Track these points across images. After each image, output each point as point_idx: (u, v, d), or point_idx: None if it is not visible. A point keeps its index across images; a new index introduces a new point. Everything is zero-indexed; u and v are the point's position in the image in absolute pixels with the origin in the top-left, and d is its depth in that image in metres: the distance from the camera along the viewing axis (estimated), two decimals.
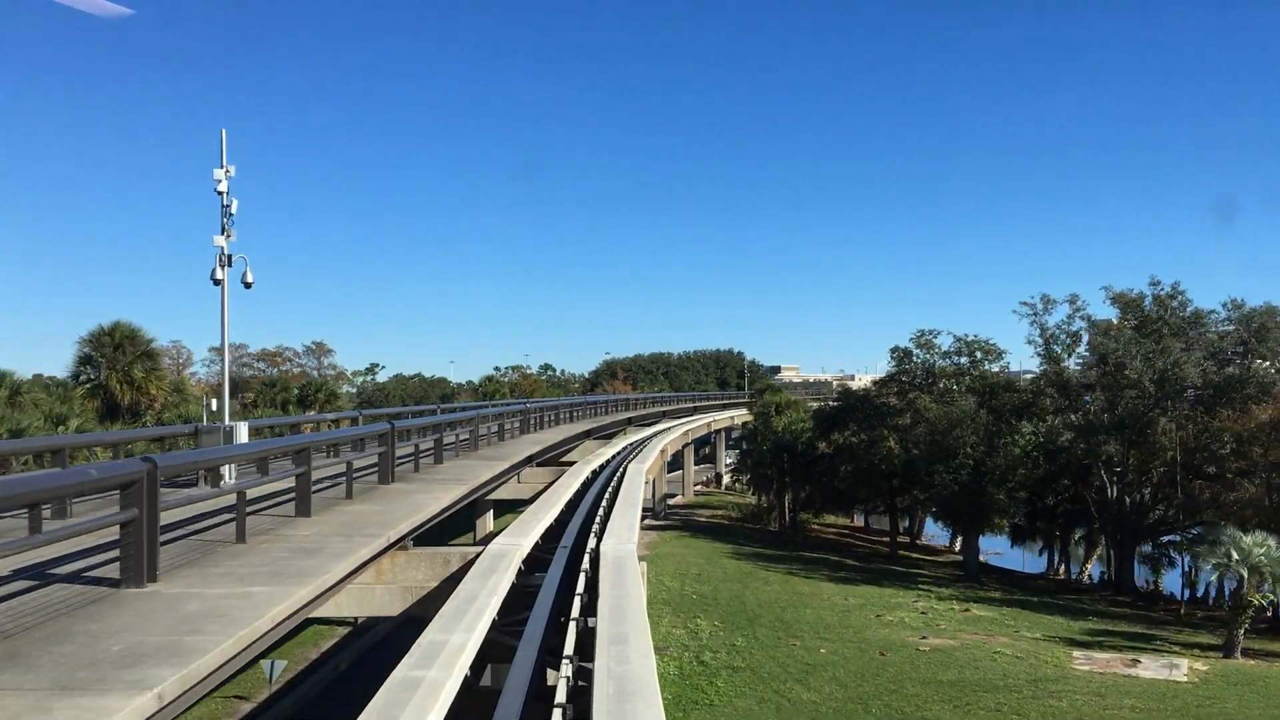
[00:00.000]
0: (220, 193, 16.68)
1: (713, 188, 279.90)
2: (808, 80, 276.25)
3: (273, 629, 7.56)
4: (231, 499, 14.48)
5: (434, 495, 15.81)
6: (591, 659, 9.34)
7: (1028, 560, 58.87)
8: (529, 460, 28.53)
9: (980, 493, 44.59)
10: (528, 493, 30.24)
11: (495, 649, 11.52)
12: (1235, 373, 42.29)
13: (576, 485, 26.70)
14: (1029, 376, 55.00)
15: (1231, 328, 44.23)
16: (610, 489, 25.92)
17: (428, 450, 21.09)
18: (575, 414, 50.62)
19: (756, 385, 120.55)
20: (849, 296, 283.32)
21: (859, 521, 70.55)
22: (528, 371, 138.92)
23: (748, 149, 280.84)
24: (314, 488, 13.96)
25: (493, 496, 30.59)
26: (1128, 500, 44.02)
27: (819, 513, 62.68)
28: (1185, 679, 27.14)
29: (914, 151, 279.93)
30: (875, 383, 59.62)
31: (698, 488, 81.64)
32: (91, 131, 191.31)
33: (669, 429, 60.27)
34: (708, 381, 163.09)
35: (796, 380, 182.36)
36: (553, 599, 12.86)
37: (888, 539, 58.31)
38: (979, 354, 51.38)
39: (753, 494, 69.09)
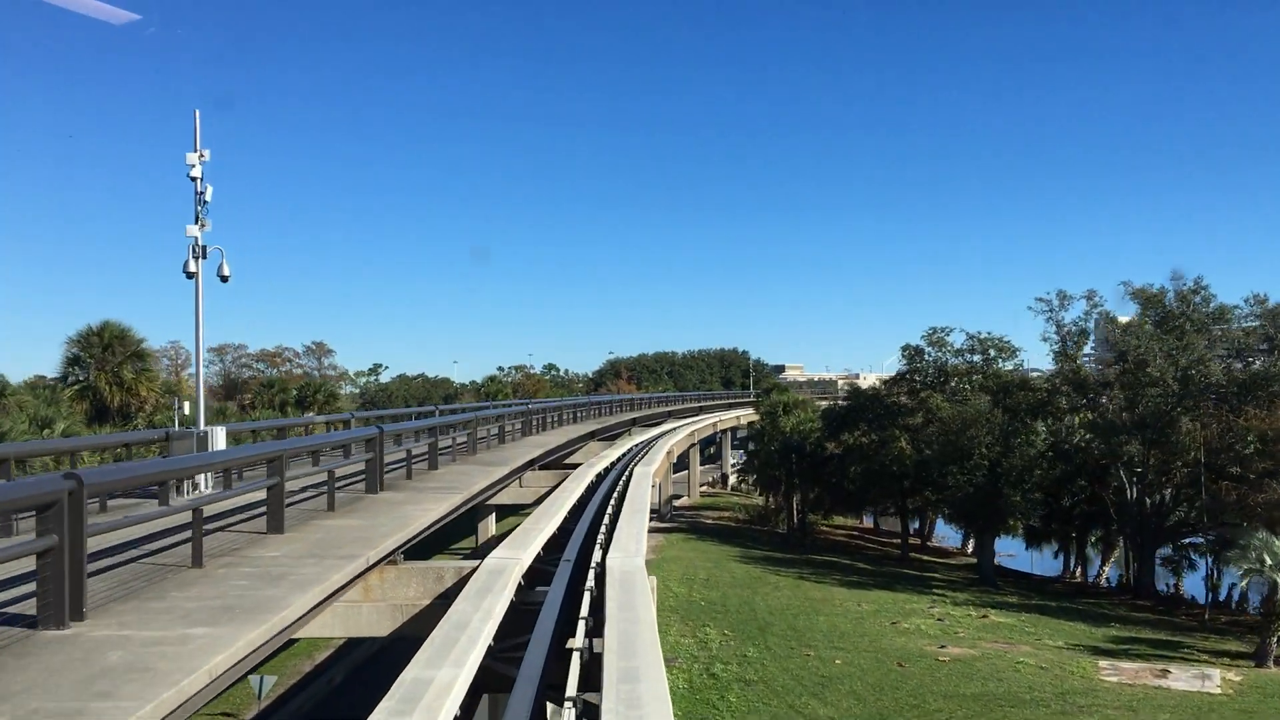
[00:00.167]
0: (193, 178, 15.49)
1: (716, 187, 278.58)
2: (809, 78, 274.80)
3: (207, 686, 6.28)
4: (213, 509, 13.29)
5: (424, 507, 14.57)
6: (599, 690, 8.20)
7: (1041, 562, 57.60)
8: (530, 464, 27.34)
9: (996, 494, 43.31)
10: (530, 497, 29.06)
11: (489, 677, 10.38)
12: (1261, 370, 40.99)
13: (580, 490, 25.49)
14: (1035, 375, 53.64)
15: (1256, 323, 42.89)
16: (616, 494, 24.74)
17: (421, 455, 19.91)
18: (579, 414, 49.44)
19: (763, 385, 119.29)
20: (852, 295, 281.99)
21: (868, 523, 69.35)
22: (531, 371, 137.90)
23: (750, 148, 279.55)
24: (292, 499, 12.82)
25: (493, 502, 29.44)
26: (1148, 502, 42.72)
27: (828, 514, 61.45)
28: (1219, 690, 25.90)
29: (917, 149, 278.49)
30: (885, 382, 58.33)
31: (703, 488, 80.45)
32: (88, 131, 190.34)
33: (675, 429, 59.09)
34: (712, 381, 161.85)
35: (801, 379, 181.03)
36: (554, 622, 11.68)
37: (898, 541, 57.08)
38: (992, 352, 50.14)
39: (759, 495, 67.90)
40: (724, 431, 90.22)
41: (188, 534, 10.25)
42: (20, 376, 44.45)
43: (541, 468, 30.68)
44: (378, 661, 28.32)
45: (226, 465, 12.10)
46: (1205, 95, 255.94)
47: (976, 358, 50.51)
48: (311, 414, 52.23)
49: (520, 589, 14.38)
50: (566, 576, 14.00)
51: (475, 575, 13.26)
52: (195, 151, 15.32)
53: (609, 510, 21.35)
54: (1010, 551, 57.45)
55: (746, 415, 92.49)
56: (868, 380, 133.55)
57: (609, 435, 50.42)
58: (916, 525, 61.48)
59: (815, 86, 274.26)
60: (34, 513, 7.02)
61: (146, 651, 6.67)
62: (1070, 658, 29.21)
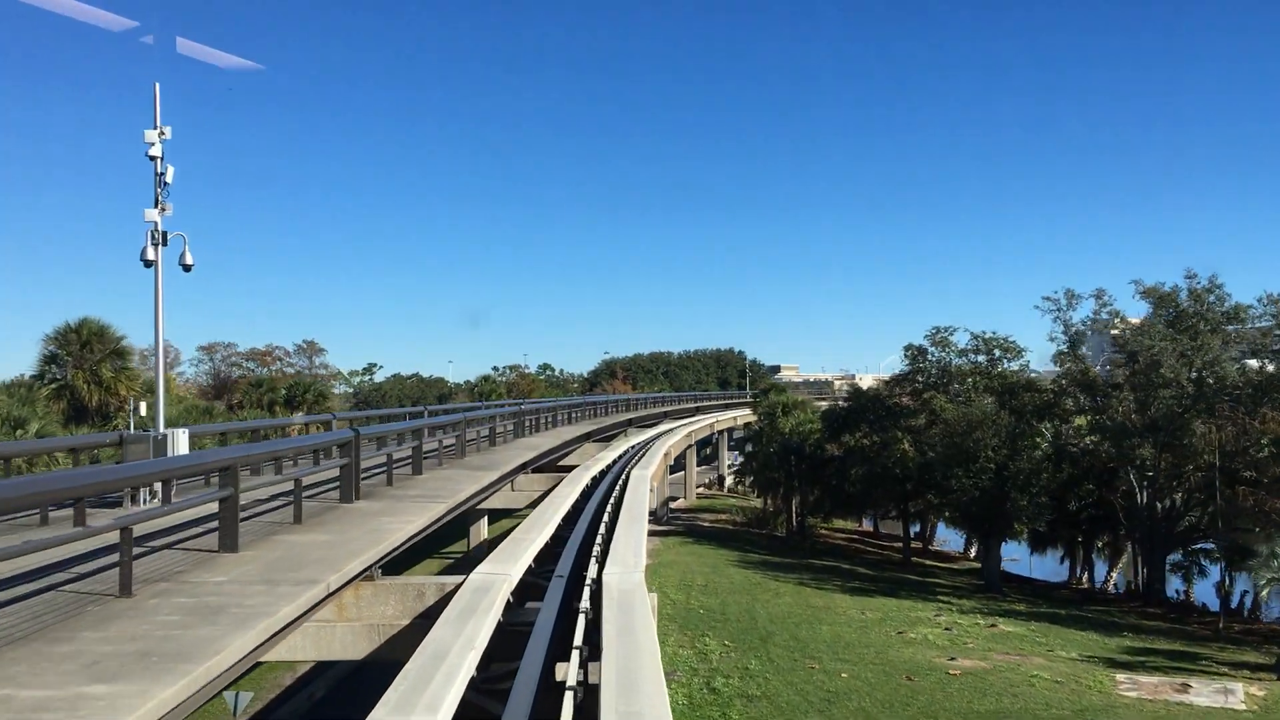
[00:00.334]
0: (153, 157, 14.23)
1: (711, 186, 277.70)
2: (805, 76, 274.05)
3: None
4: (162, 523, 11.98)
5: (403, 518, 13.30)
6: None
7: (1040, 565, 56.46)
8: (522, 469, 26.11)
9: (1003, 498, 42.11)
10: (522, 502, 27.87)
11: (469, 713, 9.16)
12: (1277, 371, 39.83)
13: (575, 494, 24.29)
14: (1034, 375, 52.38)
15: (1270, 323, 41.72)
16: (613, 499, 23.55)
17: (405, 460, 18.66)
18: (574, 415, 48.25)
19: (761, 385, 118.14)
20: (847, 296, 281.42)
21: (867, 526, 68.19)
22: (526, 371, 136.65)
23: (745, 147, 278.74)
24: (255, 512, 11.57)
25: (484, 506, 28.23)
26: (1159, 506, 41.56)
27: (828, 517, 60.28)
28: (1243, 707, 24.73)
29: (914, 148, 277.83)
30: (887, 382, 57.16)
31: (700, 490, 79.27)
32: (88, 130, 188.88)
33: (671, 430, 57.91)
34: (708, 381, 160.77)
35: (796, 380, 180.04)
36: (545, 650, 10.46)
37: (899, 545, 55.95)
38: (997, 352, 48.95)
39: (757, 497, 66.76)
40: (721, 432, 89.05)
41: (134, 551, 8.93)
42: (2, 376, 43.07)
43: (535, 470, 29.47)
44: (361, 673, 27.04)
45: (165, 475, 10.74)
46: (1207, 91, 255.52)
47: (981, 358, 49.34)
48: (300, 414, 50.94)
49: (509, 606, 13.17)
50: (559, 595, 12.78)
51: (459, 593, 12.04)
52: (155, 129, 14.06)
53: (605, 517, 20.15)
54: (1013, 556, 56.34)
55: (743, 416, 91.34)
56: (864, 381, 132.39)
57: (605, 436, 49.22)
58: (917, 529, 60.34)
59: (811, 84, 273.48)
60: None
61: None
62: (1085, 670, 28.02)
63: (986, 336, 49.41)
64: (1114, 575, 49.30)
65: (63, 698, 5.64)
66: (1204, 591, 45.18)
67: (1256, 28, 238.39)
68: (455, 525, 29.44)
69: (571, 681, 8.81)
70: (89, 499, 11.32)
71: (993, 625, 34.30)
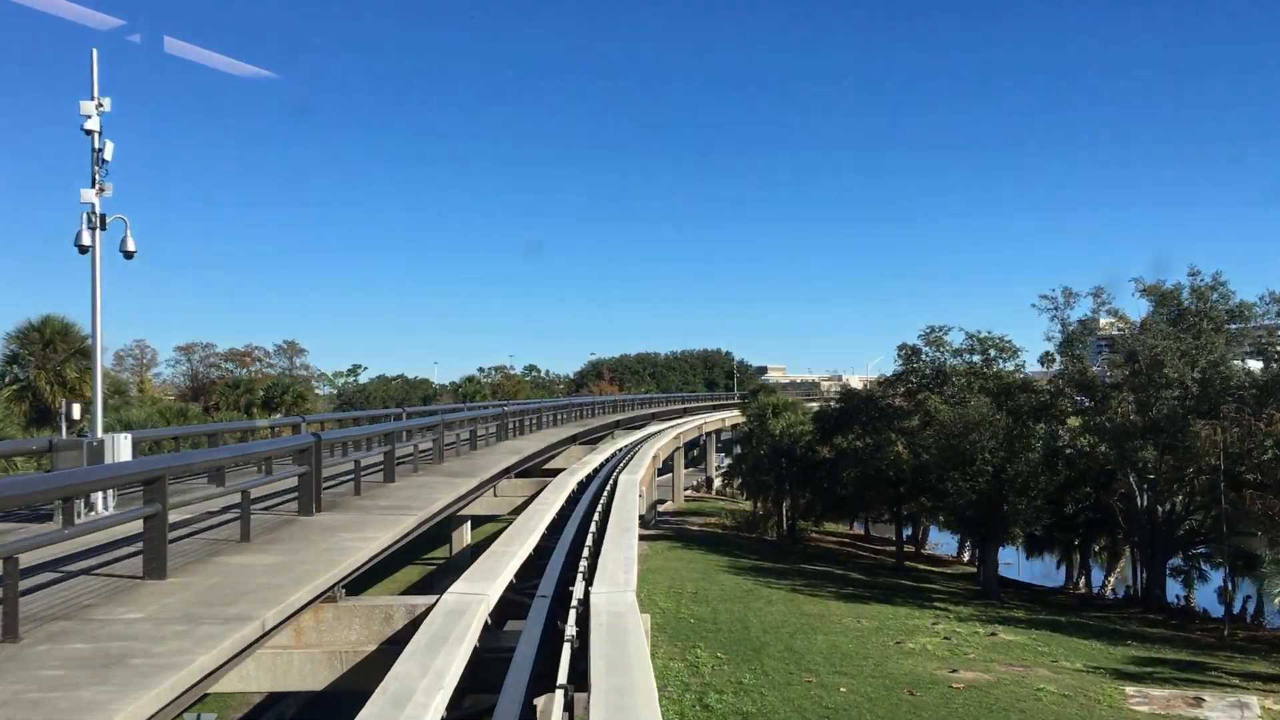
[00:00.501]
0: (89, 131, 12.86)
1: (697, 188, 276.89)
2: (788, 77, 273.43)
3: None
4: (85, 542, 10.57)
5: (366, 534, 11.96)
6: None
7: (1029, 568, 55.47)
8: (504, 474, 24.82)
9: (1000, 502, 40.99)
10: (505, 508, 26.62)
11: None
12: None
13: (560, 501, 23.04)
14: (1021, 374, 51.25)
15: (1275, 321, 40.73)
16: (600, 506, 22.30)
17: (376, 467, 17.34)
18: (559, 417, 46.97)
19: (749, 386, 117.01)
20: (833, 297, 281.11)
21: (858, 529, 67.07)
22: (511, 372, 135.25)
23: (729, 149, 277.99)
24: (203, 525, 10.25)
25: (465, 513, 26.94)
26: (1159, 510, 40.51)
27: (820, 521, 59.12)
28: None
29: (900, 150, 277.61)
30: (880, 383, 56.05)
31: (688, 492, 78.10)
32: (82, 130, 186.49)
33: (660, 432, 56.73)
34: (695, 382, 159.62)
35: (783, 381, 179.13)
36: (524, 687, 9.20)
37: (892, 548, 54.88)
38: (993, 352, 47.90)
39: (746, 499, 65.62)
40: (708, 434, 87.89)
41: (39, 580, 7.58)
42: None
43: (519, 475, 28.21)
44: (333, 693, 25.63)
45: (69, 491, 9.19)
46: (1206, 89, 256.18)
47: (976, 358, 48.27)
48: (275, 416, 49.49)
49: (488, 628, 11.89)
50: (542, 618, 11.51)
51: (429, 617, 10.75)
52: (92, 100, 12.68)
53: (592, 527, 18.90)
54: (1006, 560, 55.32)
55: (732, 417, 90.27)
56: (852, 382, 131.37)
57: (591, 439, 47.97)
58: (909, 532, 59.27)
59: (792, 87, 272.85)
60: None
61: None
62: (1093, 683, 26.89)
63: (981, 336, 48.43)
64: (1112, 580, 48.30)
65: None
66: (1204, 597, 44.24)
67: (1255, 24, 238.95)
68: (436, 531, 28.17)
69: None
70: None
71: (993, 634, 33.19)
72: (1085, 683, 26.90)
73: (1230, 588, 40.43)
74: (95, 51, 12.55)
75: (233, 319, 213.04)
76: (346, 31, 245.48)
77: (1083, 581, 49.50)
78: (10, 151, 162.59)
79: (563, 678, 8.99)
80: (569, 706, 8.55)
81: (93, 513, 11.87)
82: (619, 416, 65.95)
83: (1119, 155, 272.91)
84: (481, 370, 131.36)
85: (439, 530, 29.38)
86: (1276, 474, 35.87)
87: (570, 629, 10.55)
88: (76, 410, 13.38)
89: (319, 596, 9.07)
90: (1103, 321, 47.30)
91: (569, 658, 9.86)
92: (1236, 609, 40.86)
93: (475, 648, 10.63)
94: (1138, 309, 45.00)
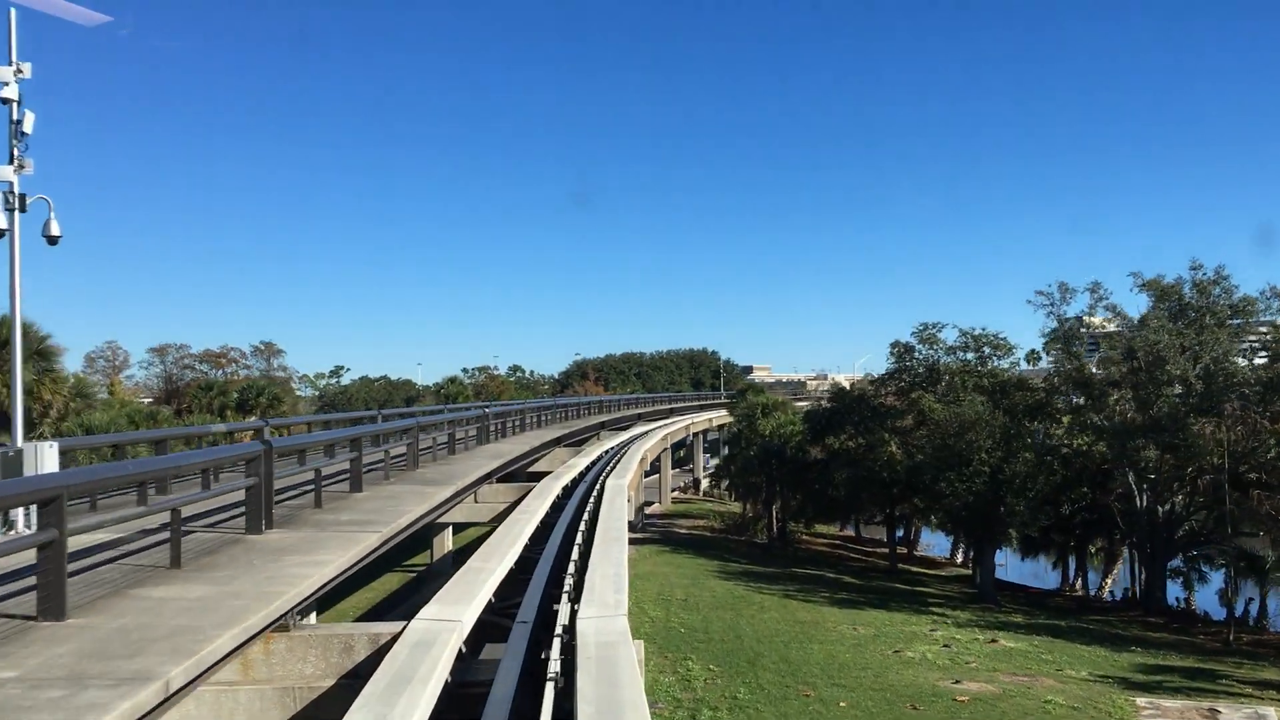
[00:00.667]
0: (6, 101, 11.42)
1: (680, 188, 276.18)
2: (771, 77, 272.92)
3: None
4: None
5: (319, 556, 10.54)
6: None
7: (1021, 569, 54.45)
8: (485, 479, 23.49)
9: (997, 503, 39.86)
10: (486, 515, 25.29)
11: None
12: None
13: (544, 508, 21.76)
14: (1018, 374, 50.18)
15: (1274, 317, 39.75)
16: (587, 513, 21.03)
17: (340, 476, 15.96)
18: (544, 418, 45.65)
19: (737, 385, 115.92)
20: (819, 297, 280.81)
21: (849, 531, 65.99)
22: (495, 373, 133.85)
23: (713, 149, 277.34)
24: (127, 549, 8.88)
25: (444, 520, 25.61)
26: (1159, 510, 39.48)
27: (810, 523, 57.97)
28: None
29: (884, 148, 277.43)
30: (872, 381, 54.94)
31: (675, 494, 76.84)
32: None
33: (647, 433, 55.47)
34: (681, 382, 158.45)
35: (769, 380, 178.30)
36: None
37: (884, 550, 53.81)
38: (987, 349, 46.83)
39: (735, 501, 64.45)
40: (696, 434, 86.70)
41: None
42: None
43: (500, 480, 26.89)
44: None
45: None
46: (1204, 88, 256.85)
47: (970, 355, 47.19)
48: (255, 418, 47.91)
49: (461, 656, 10.59)
50: (523, 649, 10.21)
51: (393, 650, 9.43)
52: (10, 65, 11.21)
53: (579, 537, 17.61)
54: (999, 561, 54.28)
55: (719, 417, 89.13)
56: (837, 380, 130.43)
57: (576, 441, 46.67)
58: (901, 533, 58.21)
59: (777, 87, 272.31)
60: None
61: None
62: (1101, 693, 25.74)
63: (976, 333, 47.34)
64: (1109, 582, 47.32)
65: None
66: (1203, 599, 43.28)
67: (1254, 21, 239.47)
68: (417, 537, 26.82)
69: None
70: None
71: (993, 641, 32.06)
72: (1094, 693, 25.76)
73: (1233, 590, 39.47)
74: (14, 11, 11.08)
75: (212, 320, 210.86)
76: (324, 26, 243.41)
77: (1079, 583, 48.49)
78: None
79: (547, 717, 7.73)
80: None
81: (12, 531, 10.48)
82: (605, 417, 64.69)
83: (1107, 152, 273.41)
84: (465, 371, 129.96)
85: (419, 536, 28.07)
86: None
87: (554, 663, 9.25)
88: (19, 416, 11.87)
89: (245, 643, 7.56)
90: (1098, 319, 46.29)
91: (552, 698, 8.59)
92: (1239, 611, 39.89)
93: (446, 682, 9.35)
94: (1135, 305, 43.98)
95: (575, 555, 15.06)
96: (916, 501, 48.50)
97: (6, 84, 11.18)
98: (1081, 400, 43.14)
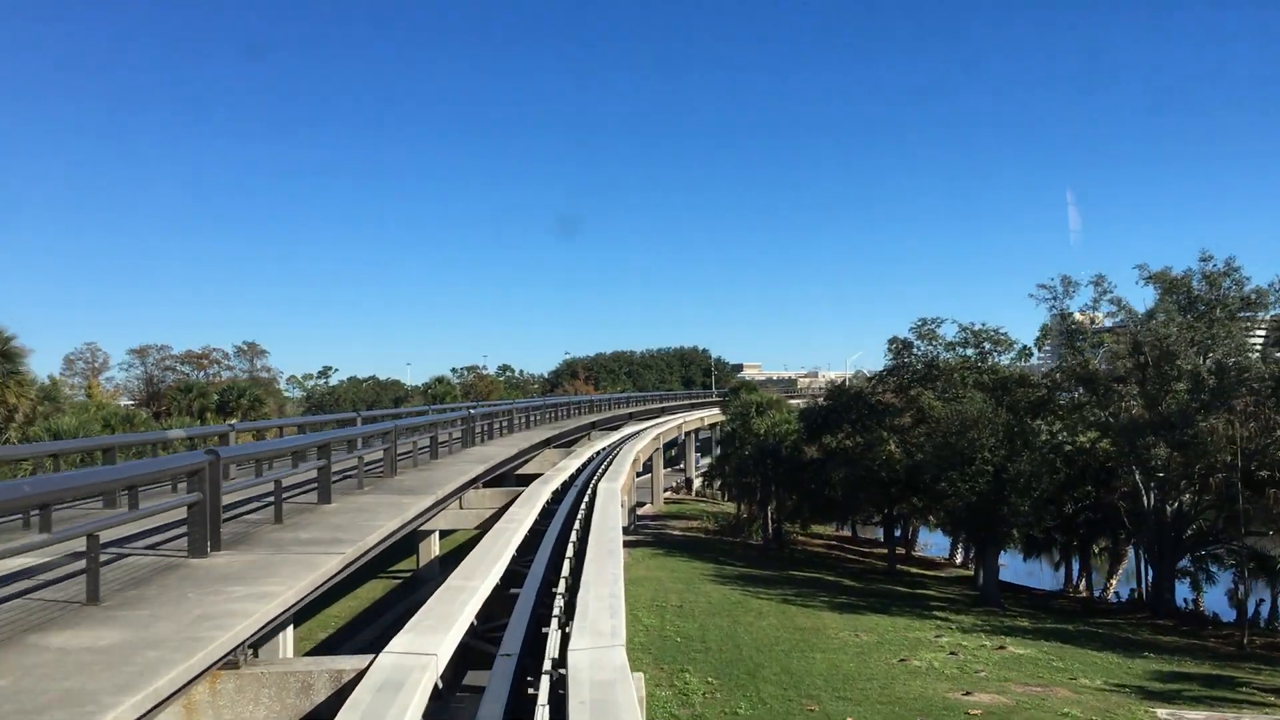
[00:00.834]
0: None
1: (670, 187, 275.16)
2: (762, 74, 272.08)
3: None
4: None
5: (267, 586, 9.05)
6: None
7: (1025, 571, 53.34)
8: (470, 485, 22.15)
9: (1000, 503, 38.66)
10: (472, 521, 23.91)
11: None
12: None
13: (533, 516, 20.43)
14: (1019, 370, 49.07)
15: None
16: (578, 521, 19.72)
17: (308, 485, 14.61)
18: (532, 419, 44.31)
19: (729, 384, 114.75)
20: (809, 294, 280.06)
21: (845, 531, 64.82)
22: (484, 372, 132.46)
23: (708, 149, 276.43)
24: (41, 581, 7.50)
25: (428, 527, 24.24)
26: (1167, 509, 38.33)
27: (807, 524, 56.76)
28: None
29: (875, 148, 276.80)
30: (870, 378, 53.76)
31: (668, 494, 75.56)
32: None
33: (639, 433, 54.17)
34: (672, 380, 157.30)
35: (760, 378, 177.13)
36: None
37: (882, 550, 52.68)
38: (988, 345, 45.67)
39: (729, 501, 63.24)
40: (688, 434, 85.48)
41: None
42: None
43: (487, 485, 25.56)
44: None
45: None
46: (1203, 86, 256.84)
47: (970, 351, 46.02)
48: (236, 420, 46.41)
49: (437, 692, 9.27)
50: (505, 693, 8.90)
51: (358, 690, 8.12)
52: None
53: (570, 549, 16.30)
54: (1001, 562, 53.18)
55: (711, 416, 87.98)
56: (828, 377, 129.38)
57: (566, 442, 45.34)
58: (899, 533, 57.07)
59: (768, 85, 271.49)
60: None
61: None
62: (1119, 704, 24.54)
63: (976, 329, 46.15)
64: (1114, 583, 46.24)
65: None
66: (1212, 600, 42.18)
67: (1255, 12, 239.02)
68: (404, 541, 25.48)
69: None
70: None
71: (1001, 647, 30.88)
72: (1111, 704, 24.57)
73: (1241, 590, 38.38)
74: None
75: (197, 322, 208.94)
76: (321, 22, 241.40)
77: (1083, 584, 47.40)
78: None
79: None
80: None
81: None
82: (595, 417, 63.38)
83: (1098, 150, 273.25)
84: (454, 371, 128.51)
85: (406, 541, 26.72)
86: None
87: (543, 709, 7.94)
88: None
89: (151, 711, 6.04)
90: (1102, 315, 45.11)
91: None
92: (1250, 613, 38.81)
93: None
94: (1140, 300, 42.77)
95: (566, 571, 13.75)
96: (916, 501, 47.38)
97: None
98: (1086, 397, 41.96)
